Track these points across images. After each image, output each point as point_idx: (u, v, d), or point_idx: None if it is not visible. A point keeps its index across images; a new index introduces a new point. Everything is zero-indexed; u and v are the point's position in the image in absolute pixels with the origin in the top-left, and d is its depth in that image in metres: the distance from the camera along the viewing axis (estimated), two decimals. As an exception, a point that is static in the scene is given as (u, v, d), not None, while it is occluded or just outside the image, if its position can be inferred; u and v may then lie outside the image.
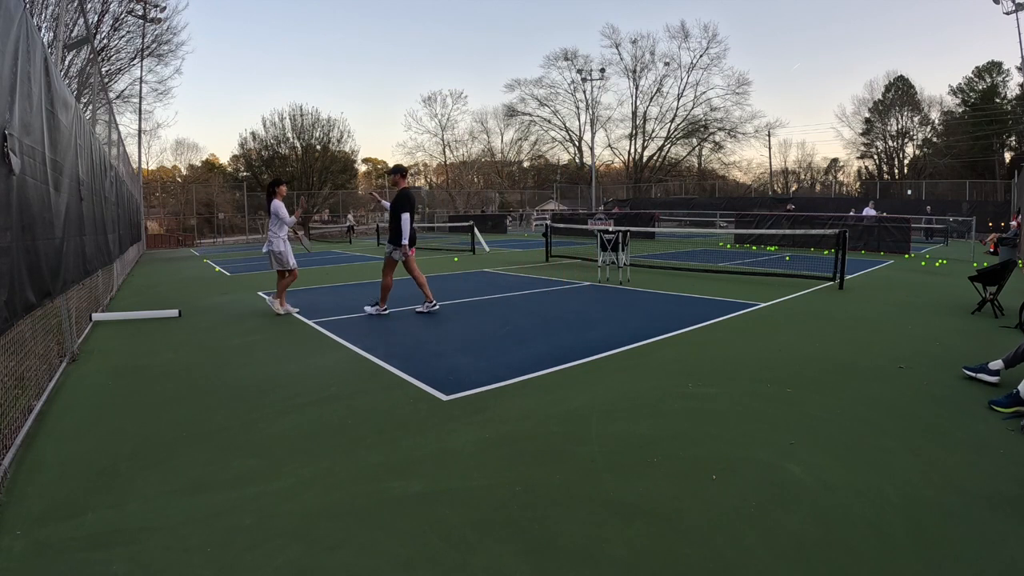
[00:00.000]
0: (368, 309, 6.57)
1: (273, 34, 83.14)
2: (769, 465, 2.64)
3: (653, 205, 35.34)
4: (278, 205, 6.62)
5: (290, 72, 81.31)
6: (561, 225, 20.68)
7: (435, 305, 6.65)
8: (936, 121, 42.65)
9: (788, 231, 14.55)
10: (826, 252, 13.33)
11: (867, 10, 64.80)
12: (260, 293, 8.22)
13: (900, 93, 43.15)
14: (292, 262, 6.72)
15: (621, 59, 48.50)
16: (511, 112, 50.99)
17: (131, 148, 22.25)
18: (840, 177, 49.38)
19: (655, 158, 49.28)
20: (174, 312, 6.81)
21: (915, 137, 43.78)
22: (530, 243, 20.32)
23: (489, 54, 79.79)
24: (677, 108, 47.84)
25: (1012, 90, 38.33)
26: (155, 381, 4.17)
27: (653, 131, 49.17)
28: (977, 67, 40.08)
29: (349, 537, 2.11)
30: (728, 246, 17.37)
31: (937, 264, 12.18)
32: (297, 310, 6.67)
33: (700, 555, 1.98)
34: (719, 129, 47.69)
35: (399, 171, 6.63)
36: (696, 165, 49.86)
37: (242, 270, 12.79)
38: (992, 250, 8.71)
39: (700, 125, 47.94)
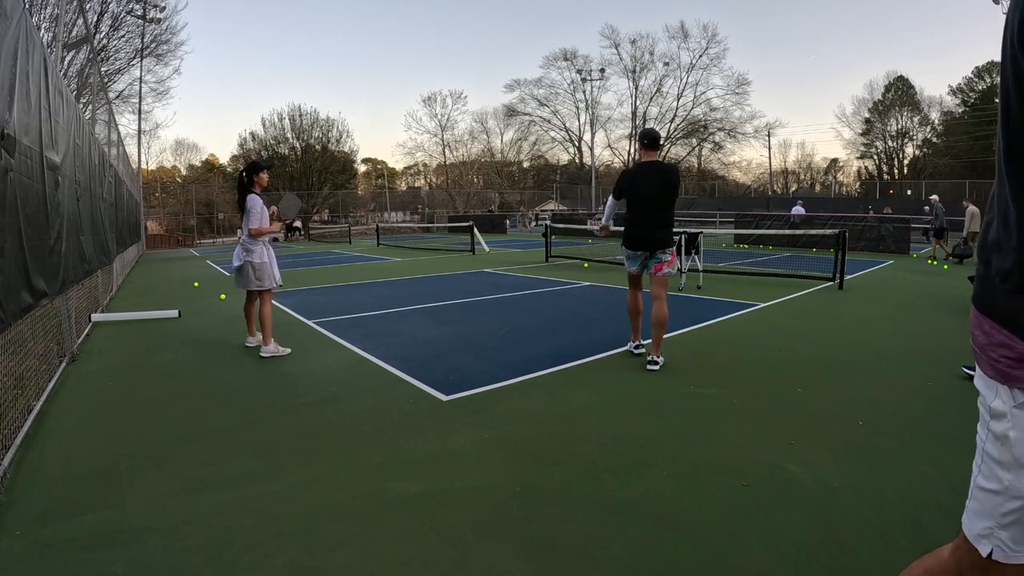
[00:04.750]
0: None
1: (272, 34, 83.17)
2: (769, 465, 2.64)
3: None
4: (254, 201, 4.84)
5: (290, 72, 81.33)
6: (561, 225, 20.67)
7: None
8: (936, 121, 42.73)
9: (789, 231, 14.55)
10: (821, 252, 13.33)
11: (867, 10, 64.92)
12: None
13: (900, 93, 43.20)
14: (273, 279, 4.91)
15: (620, 59, 48.50)
16: (511, 112, 51.02)
17: (131, 148, 22.27)
18: (840, 177, 49.44)
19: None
20: (174, 312, 6.81)
21: (915, 137, 43.86)
22: (530, 243, 20.33)
23: (489, 54, 79.85)
24: (677, 108, 47.85)
25: (1012, 90, 38.30)
26: (155, 381, 4.17)
27: (653, 131, 49.09)
28: (977, 67, 40.18)
29: (349, 537, 2.11)
30: (725, 245, 17.37)
31: (945, 267, 12.18)
32: (288, 351, 4.92)
33: (700, 555, 1.98)
34: (719, 129, 47.70)
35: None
36: (696, 165, 49.88)
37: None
38: None
39: (700, 125, 47.94)
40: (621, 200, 4.49)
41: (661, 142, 4.22)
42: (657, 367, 4.17)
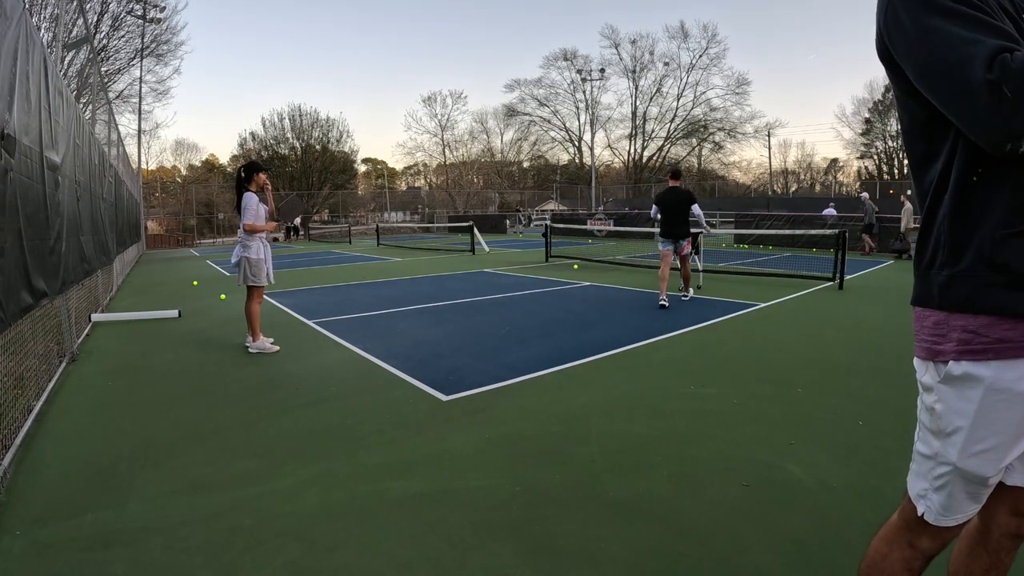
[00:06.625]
0: None
1: (272, 33, 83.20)
2: (769, 465, 2.64)
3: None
4: (249, 198, 4.93)
5: (290, 72, 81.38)
6: (560, 225, 20.68)
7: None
8: (936, 121, 42.63)
9: (788, 231, 14.54)
10: (821, 252, 13.32)
11: (868, 9, 64.83)
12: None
13: (900, 93, 43.18)
14: (264, 276, 5.00)
15: (620, 59, 48.60)
16: (511, 112, 51.09)
17: (131, 148, 22.26)
18: (840, 177, 49.44)
19: (655, 158, 49.33)
20: (174, 312, 6.81)
21: (915, 137, 43.81)
22: (530, 243, 20.33)
23: (489, 54, 79.87)
24: (677, 108, 47.94)
25: (1012, 90, 38.31)
26: (155, 381, 4.17)
27: (653, 131, 49.26)
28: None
29: (349, 537, 2.11)
30: (725, 245, 17.37)
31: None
32: (277, 348, 5.01)
33: (700, 555, 1.98)
34: (719, 129, 47.79)
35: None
36: (696, 165, 49.90)
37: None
38: None
39: (700, 125, 48.00)
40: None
41: (679, 169, 7.66)
42: (687, 297, 7.38)
